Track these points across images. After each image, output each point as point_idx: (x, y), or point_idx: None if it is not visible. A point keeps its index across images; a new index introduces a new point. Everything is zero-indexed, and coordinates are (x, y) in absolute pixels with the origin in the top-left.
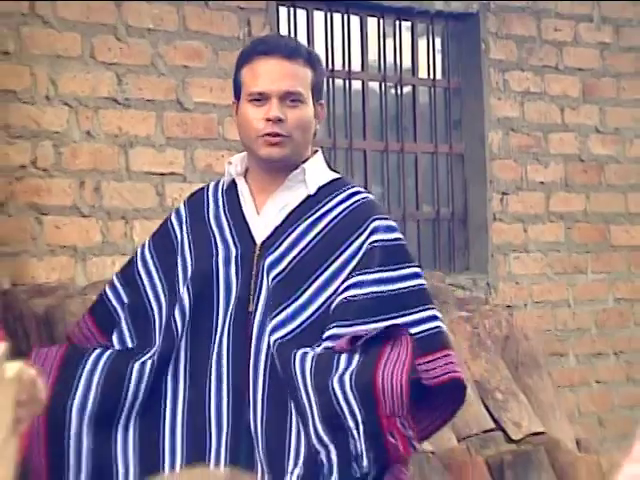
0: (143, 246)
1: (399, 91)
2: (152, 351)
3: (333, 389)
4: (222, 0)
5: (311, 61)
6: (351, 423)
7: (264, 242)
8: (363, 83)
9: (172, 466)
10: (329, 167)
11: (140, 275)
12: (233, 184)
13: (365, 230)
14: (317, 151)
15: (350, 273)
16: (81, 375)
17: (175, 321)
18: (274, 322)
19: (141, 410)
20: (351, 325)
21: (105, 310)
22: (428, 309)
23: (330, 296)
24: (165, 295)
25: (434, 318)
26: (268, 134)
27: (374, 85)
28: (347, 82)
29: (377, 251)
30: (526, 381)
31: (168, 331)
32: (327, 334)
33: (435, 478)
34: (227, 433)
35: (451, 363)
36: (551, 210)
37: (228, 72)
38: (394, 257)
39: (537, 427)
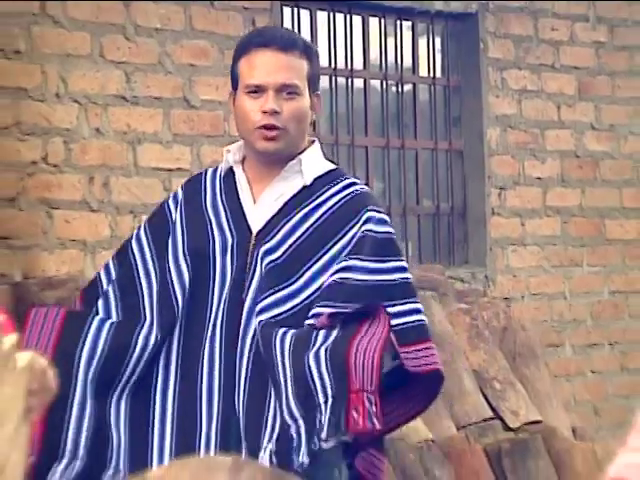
0: (139, 227)
1: (400, 89)
2: (150, 325)
3: (308, 365)
4: (227, 0)
5: (307, 53)
6: (321, 398)
7: (260, 231)
8: (365, 81)
9: (160, 449)
10: (326, 158)
11: (133, 253)
12: (230, 172)
13: (359, 221)
14: (314, 141)
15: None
16: (87, 333)
17: (176, 297)
18: (262, 304)
19: (134, 385)
20: (336, 306)
21: (94, 287)
22: (412, 302)
23: (321, 286)
24: (156, 274)
25: (417, 311)
26: (264, 126)
27: (376, 83)
28: (349, 80)
29: (368, 240)
30: (523, 371)
31: (166, 308)
32: (313, 312)
33: (435, 466)
34: (217, 417)
35: (432, 355)
36: (548, 205)
37: None
38: (384, 249)
39: (534, 416)
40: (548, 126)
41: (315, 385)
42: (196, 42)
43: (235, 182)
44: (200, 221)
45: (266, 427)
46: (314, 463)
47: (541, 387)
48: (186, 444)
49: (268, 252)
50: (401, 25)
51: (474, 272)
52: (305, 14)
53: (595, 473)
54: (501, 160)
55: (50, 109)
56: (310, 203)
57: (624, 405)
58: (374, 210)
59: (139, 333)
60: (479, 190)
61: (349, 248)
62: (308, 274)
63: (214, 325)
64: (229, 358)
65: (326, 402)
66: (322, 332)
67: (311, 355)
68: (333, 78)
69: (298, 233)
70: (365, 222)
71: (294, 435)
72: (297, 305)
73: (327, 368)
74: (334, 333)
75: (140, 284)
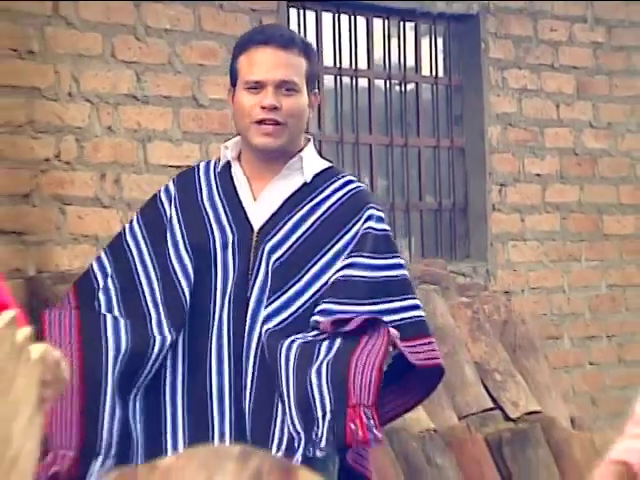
0: (132, 221)
1: (403, 88)
2: (159, 323)
3: (310, 380)
4: (236, 0)
5: (306, 51)
6: (319, 413)
7: (261, 228)
8: (369, 81)
9: (174, 448)
10: (320, 156)
11: (129, 248)
12: (226, 168)
13: (361, 218)
14: (309, 140)
15: (346, 258)
16: (107, 335)
17: (184, 294)
18: (267, 311)
19: (145, 386)
20: (341, 304)
21: (88, 281)
22: (411, 298)
23: (325, 283)
24: (155, 269)
25: (417, 307)
26: (263, 121)
27: (379, 82)
28: (354, 80)
29: (370, 237)
30: (523, 363)
31: (176, 307)
32: (319, 308)
33: (437, 454)
34: (230, 416)
35: (433, 350)
36: (547, 201)
37: None
38: (383, 246)
39: (534, 406)
40: (547, 124)
41: (315, 400)
42: (205, 43)
43: (232, 178)
44: (197, 216)
45: (273, 438)
46: (310, 458)
47: (540, 378)
48: (199, 442)
49: (273, 249)
50: (404, 26)
51: (475, 266)
52: (311, 15)
53: (593, 462)
54: (502, 157)
55: (63, 108)
56: (311, 200)
57: (621, 396)
58: (374, 208)
59: (154, 333)
60: (480, 186)
61: (352, 245)
62: (312, 271)
63: (220, 324)
64: (237, 358)
65: (324, 416)
66: (325, 344)
67: (313, 370)
68: (338, 78)
69: (301, 230)
70: (367, 220)
71: (296, 447)
72: (303, 305)
73: (327, 383)
74: (336, 344)
75: (139, 279)
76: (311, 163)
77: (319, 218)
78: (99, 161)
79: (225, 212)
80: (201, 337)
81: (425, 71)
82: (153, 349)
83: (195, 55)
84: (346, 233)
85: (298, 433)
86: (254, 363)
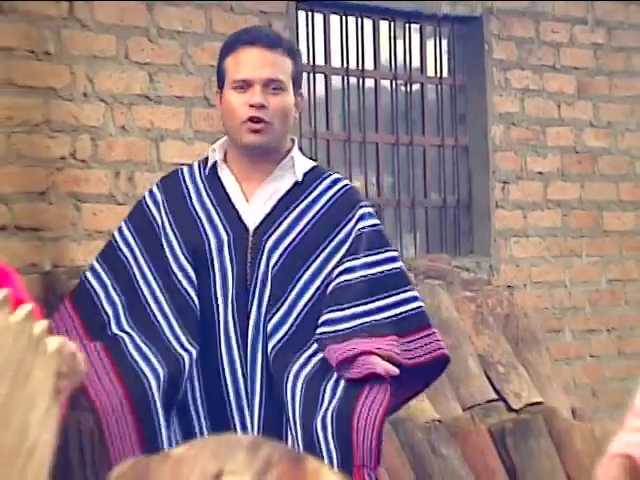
0: (120, 229)
1: (409, 88)
2: (174, 334)
3: (316, 431)
4: (245, 0)
5: (291, 52)
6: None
7: (257, 228)
8: (375, 81)
9: None
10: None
11: (125, 256)
12: (213, 170)
13: (353, 217)
14: (294, 140)
15: (341, 258)
16: (137, 362)
17: (193, 302)
18: (271, 323)
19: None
20: (342, 309)
21: (86, 294)
22: (410, 290)
23: (324, 280)
24: (154, 277)
25: (415, 298)
26: (251, 119)
27: (386, 83)
28: (361, 80)
29: (364, 237)
30: (526, 355)
31: (190, 318)
32: (323, 319)
33: (442, 444)
34: (252, 425)
35: (437, 341)
36: (549, 198)
37: None
38: (377, 241)
39: (536, 397)
40: (549, 123)
41: (322, 454)
42: (216, 44)
43: (220, 180)
44: (189, 220)
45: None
46: None
47: (542, 370)
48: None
49: (271, 251)
50: (410, 28)
51: (479, 262)
52: (319, 17)
53: (593, 451)
54: (504, 156)
55: (78, 108)
56: (304, 200)
57: (621, 387)
58: (365, 206)
59: (178, 350)
60: (484, 184)
61: (347, 246)
62: (310, 271)
63: (226, 332)
64: (246, 360)
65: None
66: (329, 388)
67: (319, 421)
68: (345, 78)
69: (297, 230)
70: (359, 220)
71: None
72: (302, 310)
73: (333, 440)
74: (339, 391)
75: (141, 289)
76: (300, 163)
77: (313, 218)
78: (113, 159)
79: (217, 213)
80: (210, 346)
81: (430, 72)
82: (184, 368)
83: (206, 56)
84: (339, 232)
85: None
86: (261, 381)
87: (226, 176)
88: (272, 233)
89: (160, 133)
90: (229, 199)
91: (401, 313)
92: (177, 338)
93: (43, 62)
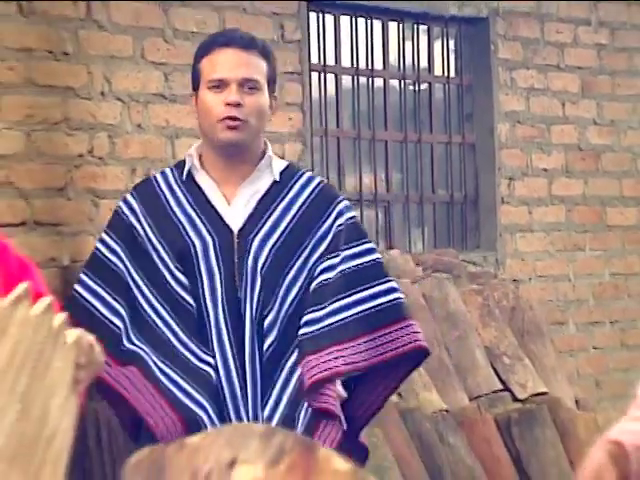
0: (103, 240)
1: (417, 88)
2: (187, 348)
3: None
4: (259, 0)
5: (266, 54)
6: None
7: (241, 230)
8: (385, 81)
9: None
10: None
11: (116, 265)
12: (189, 175)
13: (332, 213)
14: (266, 141)
15: (322, 254)
16: (194, 397)
17: (193, 309)
18: (267, 323)
19: None
20: (323, 308)
21: (81, 308)
22: (388, 281)
23: (307, 276)
24: (148, 287)
25: (393, 290)
26: (227, 118)
27: (394, 82)
28: (370, 80)
29: (343, 233)
30: (531, 347)
31: (196, 327)
32: (305, 319)
33: (449, 433)
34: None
35: (414, 333)
36: (553, 194)
37: None
38: (355, 234)
39: (540, 388)
40: (553, 121)
41: None
42: None
43: (198, 185)
44: (171, 226)
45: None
46: None
47: (547, 362)
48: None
49: (258, 252)
50: (418, 29)
51: (485, 256)
52: (329, 19)
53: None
54: (510, 153)
55: (95, 106)
56: (283, 198)
57: (623, 378)
58: (341, 201)
59: (208, 370)
60: (490, 180)
61: (327, 242)
62: (294, 269)
63: (218, 330)
64: (243, 361)
65: None
66: (303, 411)
67: None
68: (355, 78)
69: (280, 230)
70: (337, 216)
71: None
72: (290, 308)
73: None
74: (306, 418)
75: (138, 300)
76: (276, 162)
77: (294, 216)
78: (130, 156)
79: (199, 217)
80: (202, 342)
81: (437, 71)
82: (214, 382)
83: None
84: (319, 228)
85: None
86: (261, 380)
87: (204, 180)
88: (257, 234)
89: (175, 131)
90: (209, 203)
91: (378, 305)
92: (198, 357)
93: (62, 62)
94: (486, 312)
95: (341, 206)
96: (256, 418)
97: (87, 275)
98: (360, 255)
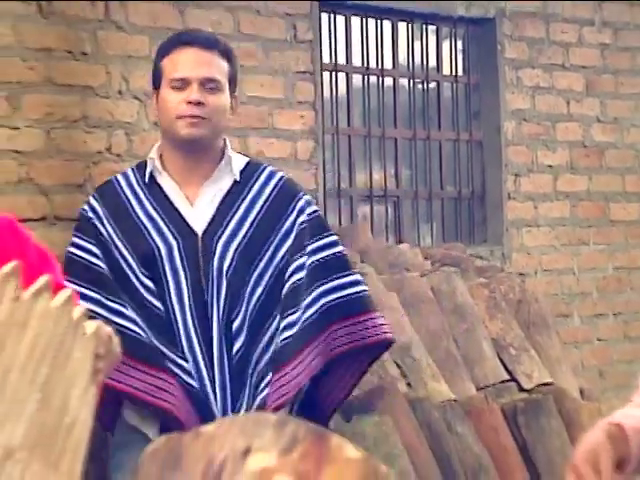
0: (75, 244)
1: (426, 86)
2: (182, 364)
3: None
4: (272, 0)
5: (227, 54)
6: None
7: (205, 232)
8: (394, 80)
9: None
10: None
11: (100, 267)
12: (151, 178)
13: (294, 209)
14: (225, 139)
15: (287, 251)
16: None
17: (162, 312)
18: (235, 325)
19: None
20: (300, 309)
21: None
22: (352, 274)
23: (272, 275)
24: (125, 292)
25: (357, 282)
26: (189, 116)
27: (404, 81)
28: (380, 79)
29: (306, 229)
30: (536, 339)
31: (170, 330)
32: (283, 324)
33: (457, 422)
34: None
35: (380, 325)
36: (558, 190)
37: (277, 70)
38: (318, 228)
39: (546, 378)
40: (558, 119)
41: None
42: (243, 44)
43: (160, 187)
44: (135, 229)
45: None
46: None
47: (552, 353)
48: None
49: (223, 254)
50: (427, 29)
51: (492, 250)
52: (340, 19)
53: None
54: (516, 150)
55: (113, 105)
56: (245, 197)
57: (626, 369)
58: (303, 196)
59: (190, 378)
60: (497, 177)
61: (292, 239)
62: (259, 268)
63: (187, 332)
64: (212, 362)
65: None
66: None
67: None
68: (365, 77)
69: (244, 229)
70: (299, 213)
71: None
72: (255, 306)
73: None
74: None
75: (123, 303)
76: (236, 161)
77: (257, 215)
78: (146, 153)
79: (163, 220)
80: (171, 343)
81: (446, 70)
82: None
83: None
84: (282, 225)
85: None
86: (230, 381)
87: (166, 182)
88: (221, 235)
89: None
90: (172, 205)
91: (341, 297)
92: (167, 357)
93: (80, 62)
94: (493, 305)
95: (302, 202)
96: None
97: (75, 283)
98: (324, 248)
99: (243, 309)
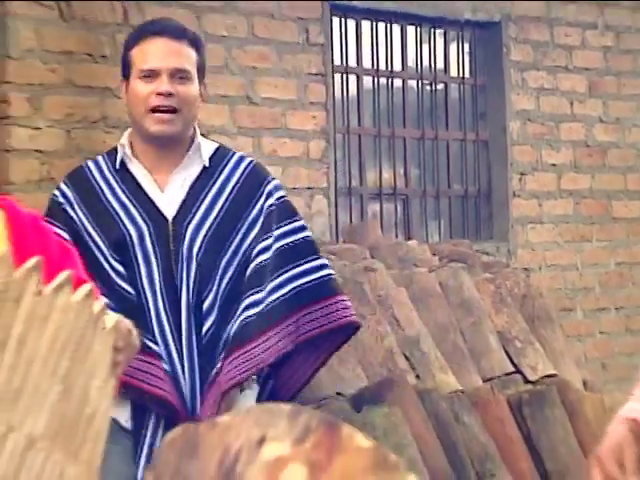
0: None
1: (434, 88)
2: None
3: None
4: (284, 1)
5: (196, 43)
6: None
7: (175, 217)
8: (403, 81)
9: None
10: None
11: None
12: (122, 165)
13: (262, 194)
14: (195, 126)
15: (256, 236)
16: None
17: (133, 297)
18: (204, 308)
19: None
20: (262, 290)
21: None
22: (318, 258)
23: (241, 258)
24: (90, 273)
25: (324, 266)
26: (159, 108)
27: (412, 83)
28: (390, 80)
29: (274, 213)
30: (541, 332)
31: (139, 315)
32: (245, 303)
33: (464, 413)
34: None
35: (345, 308)
36: (562, 188)
37: (290, 72)
38: (286, 212)
39: (550, 370)
40: (562, 119)
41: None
42: (257, 48)
43: (131, 173)
44: (106, 215)
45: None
46: None
47: (556, 346)
48: None
49: (193, 238)
50: (435, 33)
51: (498, 246)
52: (351, 23)
53: (603, 420)
54: (521, 149)
55: None
56: (215, 183)
57: (628, 362)
58: (270, 181)
59: (165, 363)
60: (502, 175)
61: (260, 224)
62: (229, 253)
63: (158, 316)
64: (181, 346)
65: None
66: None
67: None
68: (375, 79)
69: (214, 214)
70: (267, 197)
71: None
72: (225, 291)
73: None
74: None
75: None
76: (205, 147)
77: (227, 200)
78: None
79: (134, 205)
80: (145, 331)
81: (453, 72)
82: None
83: (249, 59)
84: (252, 210)
85: None
86: (199, 365)
87: (136, 169)
88: (190, 221)
89: (206, 129)
90: (143, 191)
91: (309, 282)
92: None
93: (100, 64)
94: (499, 299)
95: (270, 187)
96: (193, 400)
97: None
98: (291, 233)
99: (214, 290)
